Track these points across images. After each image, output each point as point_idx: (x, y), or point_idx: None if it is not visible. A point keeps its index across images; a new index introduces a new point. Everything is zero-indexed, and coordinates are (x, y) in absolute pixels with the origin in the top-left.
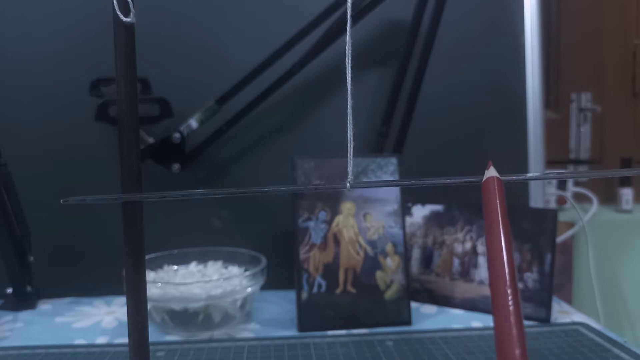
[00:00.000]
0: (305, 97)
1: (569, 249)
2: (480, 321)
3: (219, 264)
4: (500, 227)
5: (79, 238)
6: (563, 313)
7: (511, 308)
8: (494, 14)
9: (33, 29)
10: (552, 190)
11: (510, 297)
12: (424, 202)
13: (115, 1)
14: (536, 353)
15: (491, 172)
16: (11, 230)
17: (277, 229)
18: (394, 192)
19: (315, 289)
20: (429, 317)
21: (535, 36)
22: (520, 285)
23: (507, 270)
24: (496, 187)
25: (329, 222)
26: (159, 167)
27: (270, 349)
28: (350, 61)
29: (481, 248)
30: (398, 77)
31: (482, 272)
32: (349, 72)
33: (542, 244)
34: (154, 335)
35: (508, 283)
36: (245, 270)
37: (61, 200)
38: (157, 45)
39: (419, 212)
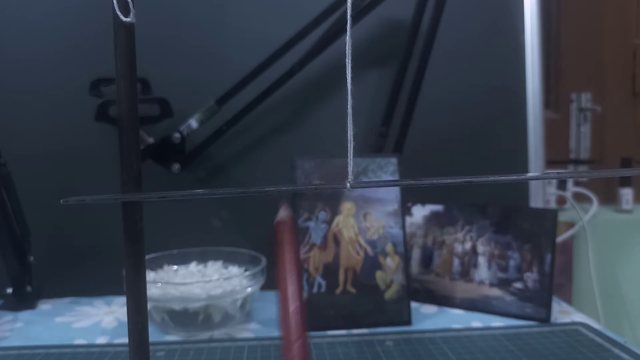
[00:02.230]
0: (305, 97)
1: (569, 249)
2: (480, 321)
3: (219, 264)
4: (292, 269)
5: (79, 238)
6: (563, 313)
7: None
8: (494, 14)
9: (33, 29)
10: (552, 190)
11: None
12: (424, 202)
13: (115, 1)
14: (536, 353)
15: (281, 213)
16: (11, 230)
17: None
18: (394, 192)
19: (315, 289)
20: (429, 317)
21: (535, 36)
22: (520, 285)
23: (293, 322)
24: (288, 229)
25: (329, 222)
26: (159, 167)
27: (270, 349)
28: (350, 61)
29: (481, 248)
30: (398, 77)
31: (482, 272)
32: (349, 72)
33: (542, 244)
34: (154, 335)
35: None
36: (245, 270)
37: (61, 201)
38: (157, 45)
39: (419, 212)
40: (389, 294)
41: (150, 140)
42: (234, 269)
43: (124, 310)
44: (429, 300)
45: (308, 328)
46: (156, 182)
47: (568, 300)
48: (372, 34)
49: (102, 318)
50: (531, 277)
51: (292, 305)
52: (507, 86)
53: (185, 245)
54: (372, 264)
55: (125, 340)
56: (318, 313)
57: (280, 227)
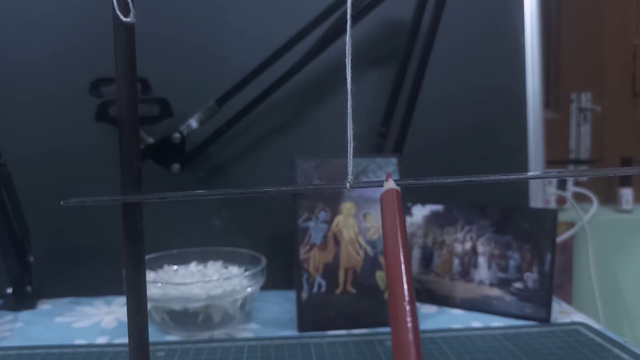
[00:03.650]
0: (305, 97)
1: (569, 249)
2: (480, 321)
3: (219, 264)
4: (400, 240)
5: (79, 238)
6: (563, 313)
7: (409, 325)
8: (494, 14)
9: (33, 29)
10: (552, 190)
11: (408, 314)
12: (424, 202)
13: (115, 1)
14: (536, 353)
15: (390, 184)
16: (11, 230)
17: (277, 229)
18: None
19: (315, 289)
20: (429, 317)
21: (535, 36)
22: (520, 285)
23: (405, 286)
24: (395, 200)
25: (329, 222)
26: (159, 167)
27: (270, 349)
28: (350, 61)
29: (481, 248)
30: (398, 77)
31: (482, 272)
32: (349, 72)
33: (542, 244)
34: (154, 335)
35: (407, 299)
36: (245, 270)
37: (61, 202)
38: (157, 45)
39: (419, 212)
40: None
41: (150, 140)
42: (234, 269)
43: (124, 310)
44: (429, 300)
45: (308, 328)
46: (156, 182)
47: (568, 300)
48: (372, 34)
49: (102, 318)
50: (531, 277)
51: (403, 278)
52: (507, 86)
53: (185, 245)
54: (372, 264)
55: (125, 340)
56: (318, 313)
57: (387, 196)
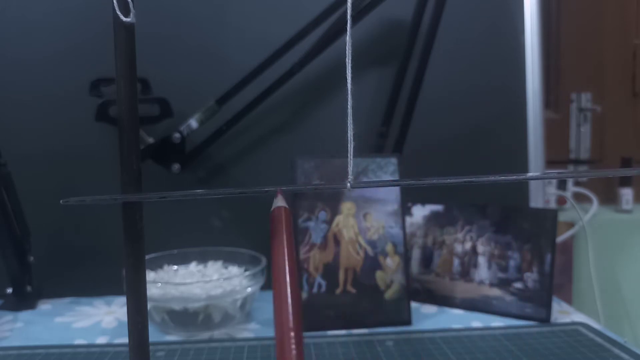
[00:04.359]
0: (305, 97)
1: (569, 249)
2: (480, 321)
3: (219, 264)
4: (286, 258)
5: (79, 238)
6: (563, 313)
7: (293, 352)
8: (494, 14)
9: (33, 29)
10: (552, 190)
11: (292, 341)
12: (424, 202)
13: (115, 1)
14: (536, 353)
15: (279, 201)
16: (11, 230)
17: None
18: (394, 192)
19: (315, 289)
20: (429, 317)
21: (535, 36)
22: (520, 285)
23: (290, 310)
24: (283, 217)
25: (329, 222)
26: (159, 167)
27: (270, 349)
28: (350, 61)
29: (481, 248)
30: (398, 77)
31: (482, 272)
32: (349, 72)
33: (542, 244)
34: (154, 335)
35: (291, 325)
36: (245, 270)
37: (61, 201)
38: (157, 45)
39: (419, 212)
40: (389, 294)
41: (150, 140)
42: (234, 269)
43: (124, 310)
44: (429, 300)
45: (308, 328)
46: (156, 182)
47: (568, 300)
48: (372, 34)
49: (102, 318)
50: (531, 277)
51: (288, 301)
52: (507, 86)
53: (185, 245)
54: (372, 264)
55: (125, 340)
56: (318, 313)
57: (276, 216)
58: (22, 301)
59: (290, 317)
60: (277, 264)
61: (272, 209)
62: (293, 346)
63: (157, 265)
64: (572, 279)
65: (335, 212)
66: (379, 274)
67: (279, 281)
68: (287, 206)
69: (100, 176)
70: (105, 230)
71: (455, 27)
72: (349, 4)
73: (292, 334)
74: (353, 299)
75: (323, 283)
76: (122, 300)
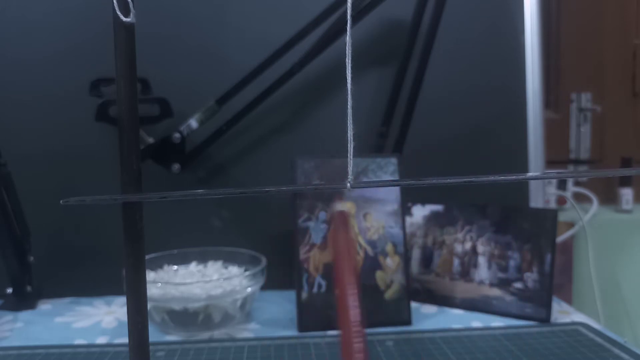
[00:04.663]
0: (305, 97)
1: (569, 249)
2: (480, 321)
3: (219, 264)
4: (348, 258)
5: (79, 238)
6: (563, 313)
7: (359, 346)
8: (494, 14)
9: (33, 29)
10: (552, 190)
11: (357, 336)
12: (424, 202)
13: (115, 1)
14: (536, 353)
15: (339, 205)
16: (11, 230)
17: (277, 229)
18: (394, 192)
19: (315, 289)
20: (429, 317)
21: (535, 36)
22: (520, 285)
23: (354, 307)
24: (344, 220)
25: (329, 222)
26: (159, 167)
27: (270, 349)
28: (350, 61)
29: (481, 248)
30: (398, 77)
31: (482, 272)
32: (349, 72)
33: (542, 244)
34: (154, 335)
35: (355, 321)
36: (245, 270)
37: (61, 201)
38: (157, 45)
39: (419, 212)
40: (389, 294)
41: (150, 140)
42: (234, 269)
43: (124, 310)
44: (429, 300)
45: (308, 328)
46: (156, 182)
47: (568, 300)
48: (372, 34)
49: (102, 318)
50: (531, 277)
51: (352, 299)
52: (507, 86)
53: (185, 245)
54: (372, 264)
55: (125, 340)
56: (318, 313)
57: (337, 218)
58: (22, 301)
59: (354, 314)
60: (340, 263)
61: (333, 212)
62: (358, 339)
63: (157, 265)
64: (572, 279)
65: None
66: (379, 274)
67: (342, 280)
68: (347, 209)
69: (100, 176)
70: (105, 230)
71: (455, 27)
72: (349, 4)
73: (357, 329)
74: None
75: (323, 283)
76: (122, 300)
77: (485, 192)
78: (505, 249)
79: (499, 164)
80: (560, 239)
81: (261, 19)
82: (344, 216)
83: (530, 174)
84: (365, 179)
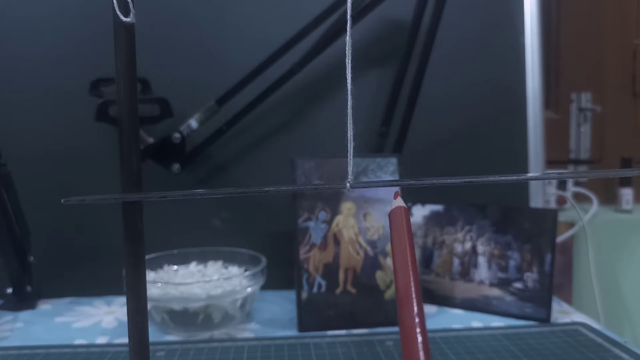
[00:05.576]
0: (305, 97)
1: (569, 249)
2: (480, 321)
3: (219, 264)
4: (408, 254)
5: (79, 238)
6: (563, 313)
7: (422, 345)
8: (494, 14)
9: (33, 29)
10: (552, 190)
11: (419, 335)
12: (424, 202)
13: (115, 1)
14: (536, 353)
15: (398, 202)
16: (11, 230)
17: (277, 229)
18: (394, 192)
19: (315, 289)
20: (429, 317)
21: (535, 36)
22: (520, 285)
23: (416, 306)
24: (403, 216)
25: (329, 222)
26: (159, 167)
27: (270, 349)
28: (350, 61)
29: (481, 248)
30: (398, 77)
31: (482, 272)
32: (349, 72)
33: (542, 244)
34: (154, 335)
35: (417, 320)
36: (245, 270)
37: (62, 200)
38: (157, 45)
39: (419, 212)
40: (389, 294)
41: (150, 140)
42: (234, 269)
43: (124, 310)
44: (429, 300)
45: (308, 328)
46: (156, 182)
47: (568, 300)
48: (372, 34)
49: (102, 318)
50: (531, 277)
51: (413, 297)
52: (507, 86)
53: (185, 245)
54: (372, 264)
55: (125, 340)
56: (318, 313)
57: (396, 215)
58: (22, 301)
59: (416, 311)
60: (400, 261)
61: (392, 208)
62: (420, 338)
63: (157, 265)
64: (572, 279)
65: (335, 212)
66: (379, 274)
67: (403, 279)
68: (405, 206)
69: (100, 176)
70: (105, 230)
71: (455, 27)
72: (349, 4)
73: (419, 329)
74: (353, 299)
75: (323, 283)
76: (122, 300)
77: (485, 192)
78: (505, 249)
79: (499, 164)
80: (560, 239)
81: (261, 19)
82: (403, 213)
83: (530, 175)
84: (365, 179)
